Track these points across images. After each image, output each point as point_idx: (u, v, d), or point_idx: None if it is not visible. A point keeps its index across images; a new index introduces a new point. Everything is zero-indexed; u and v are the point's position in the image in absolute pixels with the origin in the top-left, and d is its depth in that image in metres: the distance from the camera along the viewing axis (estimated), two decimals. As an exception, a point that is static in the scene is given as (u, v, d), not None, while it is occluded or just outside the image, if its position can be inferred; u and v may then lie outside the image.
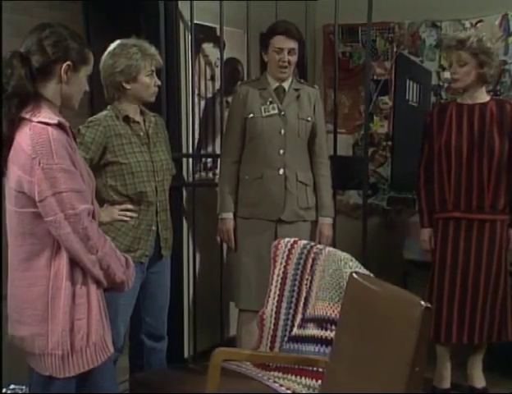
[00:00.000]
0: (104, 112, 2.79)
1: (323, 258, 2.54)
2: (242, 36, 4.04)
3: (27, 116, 1.85)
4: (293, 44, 3.32)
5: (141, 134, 2.82)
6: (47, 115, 1.85)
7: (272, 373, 2.51)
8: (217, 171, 3.86)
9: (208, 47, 3.85)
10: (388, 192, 4.56)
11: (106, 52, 2.80)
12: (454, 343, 3.27)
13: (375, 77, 4.50)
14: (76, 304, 1.87)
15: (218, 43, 3.80)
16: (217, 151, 3.85)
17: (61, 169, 1.81)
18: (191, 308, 3.72)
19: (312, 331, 2.47)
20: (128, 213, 2.72)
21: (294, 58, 3.35)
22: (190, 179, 3.73)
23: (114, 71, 2.73)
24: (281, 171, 3.25)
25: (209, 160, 3.89)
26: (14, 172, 1.85)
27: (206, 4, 3.66)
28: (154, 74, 2.82)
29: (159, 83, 2.87)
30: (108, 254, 1.92)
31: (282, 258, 2.67)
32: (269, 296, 2.70)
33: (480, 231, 3.20)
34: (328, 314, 2.42)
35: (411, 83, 4.44)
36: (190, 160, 3.73)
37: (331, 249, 2.56)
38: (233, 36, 3.92)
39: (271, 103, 3.32)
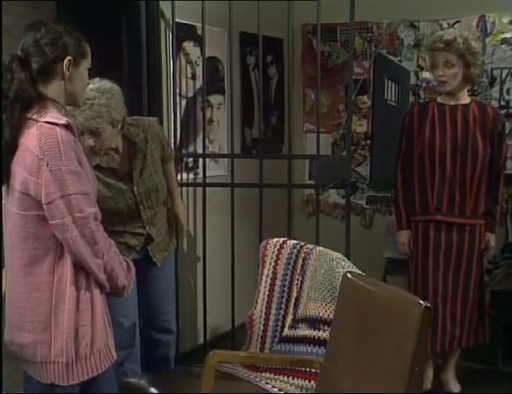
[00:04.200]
0: None
1: (314, 257, 2.53)
2: (222, 35, 4.02)
3: (33, 116, 1.80)
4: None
5: (116, 172, 2.72)
6: (54, 115, 1.81)
7: (263, 374, 2.49)
8: (199, 171, 3.84)
9: (188, 45, 3.82)
10: (367, 191, 4.58)
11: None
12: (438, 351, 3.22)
13: (354, 76, 4.51)
14: (80, 310, 1.82)
15: (199, 41, 3.76)
16: (199, 151, 3.82)
17: (69, 171, 1.77)
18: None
19: (303, 331, 2.46)
20: None
21: None
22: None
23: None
24: None
25: (190, 160, 3.85)
26: (19, 174, 1.78)
27: (186, 2, 3.63)
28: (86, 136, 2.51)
29: (91, 143, 2.54)
30: (113, 258, 1.88)
31: (271, 258, 2.66)
32: (258, 297, 2.68)
33: (460, 236, 3.16)
34: (321, 315, 2.41)
35: (389, 82, 4.47)
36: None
37: (322, 248, 2.55)
38: (213, 35, 3.88)
39: None
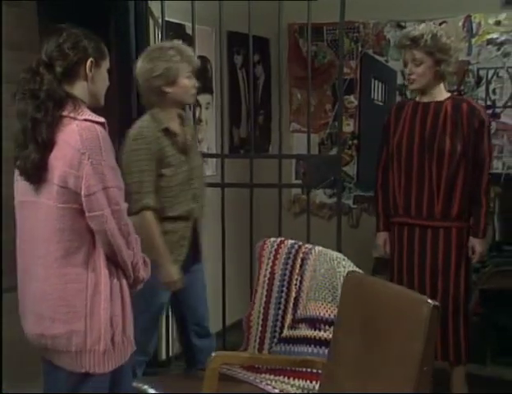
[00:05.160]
0: (143, 124, 2.70)
1: (313, 257, 2.51)
2: (210, 34, 4.00)
3: (70, 114, 1.88)
4: None
5: (179, 144, 2.73)
6: (90, 113, 1.90)
7: (262, 375, 2.46)
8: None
9: (177, 44, 3.78)
10: (354, 191, 4.59)
11: (141, 57, 2.77)
12: None
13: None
14: (113, 300, 1.90)
15: (187, 40, 3.72)
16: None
17: (108, 166, 1.86)
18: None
19: (304, 331, 2.44)
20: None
21: None
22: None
23: (152, 75, 2.67)
24: None
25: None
26: (58, 168, 1.84)
27: (174, 2, 3.59)
28: (192, 75, 2.76)
29: (197, 84, 2.81)
30: (138, 252, 1.97)
31: (269, 258, 2.64)
32: (255, 297, 2.65)
33: (434, 239, 3.00)
34: (321, 314, 2.40)
35: (376, 82, 4.49)
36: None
37: (322, 248, 2.53)
38: (201, 34, 3.85)
39: None
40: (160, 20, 3.58)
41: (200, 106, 3.93)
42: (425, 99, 3.05)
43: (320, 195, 4.62)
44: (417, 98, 3.10)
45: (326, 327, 2.39)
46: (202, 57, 3.95)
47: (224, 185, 3.56)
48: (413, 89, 3.08)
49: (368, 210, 4.57)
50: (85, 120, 1.87)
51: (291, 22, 4.57)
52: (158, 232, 2.60)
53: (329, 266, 2.42)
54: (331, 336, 2.36)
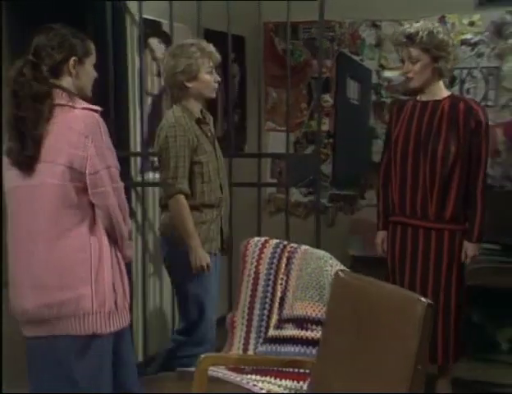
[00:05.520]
0: (177, 114, 2.85)
1: (299, 256, 2.50)
2: (186, 31, 3.94)
3: (69, 103, 2.06)
4: None
5: (209, 134, 2.92)
6: (86, 103, 2.10)
7: (248, 376, 2.44)
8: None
9: (153, 42, 3.73)
10: (330, 189, 4.60)
11: (166, 54, 2.96)
12: None
13: (316, 75, 4.52)
14: (113, 267, 2.10)
15: (164, 38, 3.69)
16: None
17: (108, 148, 2.09)
18: (140, 311, 3.60)
19: (290, 331, 2.42)
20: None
21: None
22: (139, 178, 3.60)
23: (175, 71, 2.83)
24: None
25: (156, 159, 3.76)
26: (64, 151, 2.03)
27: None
28: (214, 70, 2.92)
29: (219, 79, 2.96)
30: (128, 228, 2.18)
31: (253, 257, 2.61)
32: (239, 297, 2.63)
33: (426, 241, 2.96)
34: (309, 314, 2.38)
35: (352, 81, 4.50)
36: (138, 159, 3.60)
37: (307, 247, 2.52)
38: (177, 31, 3.80)
39: None
40: (137, 18, 3.53)
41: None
42: (424, 98, 2.99)
43: (296, 194, 4.62)
44: (417, 97, 3.04)
45: (314, 326, 2.37)
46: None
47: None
48: (413, 88, 2.99)
49: (343, 209, 4.58)
50: (84, 108, 2.06)
51: (266, 21, 4.54)
52: (190, 216, 2.74)
53: (316, 265, 2.41)
54: (318, 335, 2.36)
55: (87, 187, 2.05)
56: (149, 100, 3.70)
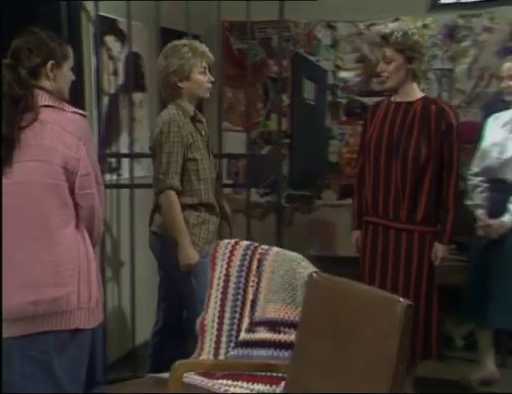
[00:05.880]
0: (172, 111, 2.86)
1: (271, 258, 2.47)
2: (141, 29, 3.88)
3: (58, 105, 2.11)
4: None
5: (203, 133, 2.94)
6: (73, 108, 2.16)
7: (220, 381, 2.40)
8: (122, 171, 3.69)
9: (109, 40, 3.65)
10: (286, 189, 4.59)
11: (160, 55, 2.96)
12: None
13: (272, 75, 4.52)
14: (93, 265, 2.18)
15: (120, 36, 3.61)
16: (122, 150, 3.66)
17: (95, 151, 2.26)
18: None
19: (262, 334, 2.39)
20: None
21: None
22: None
23: (168, 72, 2.86)
24: None
25: (114, 160, 3.68)
26: (59, 151, 2.08)
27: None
28: (207, 71, 2.93)
29: (212, 79, 2.96)
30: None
31: (223, 259, 2.57)
32: (209, 301, 2.57)
33: (397, 241, 2.98)
34: (281, 317, 2.36)
35: (308, 81, 4.51)
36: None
37: (279, 249, 2.49)
38: (133, 29, 3.73)
39: None
40: (92, 15, 3.44)
41: (133, 104, 3.80)
42: (398, 99, 3.01)
43: (253, 195, 4.59)
44: (392, 98, 3.06)
45: (287, 329, 2.35)
46: (134, 54, 3.83)
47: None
48: (387, 88, 3.03)
49: (300, 209, 4.58)
50: (74, 112, 2.13)
51: (222, 20, 4.50)
52: (181, 213, 2.76)
53: (288, 267, 2.39)
54: (291, 338, 2.34)
55: (73, 188, 2.11)
56: (106, 100, 3.61)
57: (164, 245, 2.84)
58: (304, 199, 4.57)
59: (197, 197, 2.84)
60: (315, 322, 2.08)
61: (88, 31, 3.46)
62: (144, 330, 3.68)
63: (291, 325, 2.34)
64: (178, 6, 3.60)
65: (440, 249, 2.99)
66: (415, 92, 3.01)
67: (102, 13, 3.47)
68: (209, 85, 2.94)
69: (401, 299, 1.84)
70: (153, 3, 3.47)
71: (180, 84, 2.86)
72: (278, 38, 3.60)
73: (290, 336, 2.34)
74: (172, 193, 2.75)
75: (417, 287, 2.97)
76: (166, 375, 2.47)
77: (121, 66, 3.67)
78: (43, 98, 2.09)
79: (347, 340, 1.94)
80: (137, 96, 3.86)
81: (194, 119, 2.90)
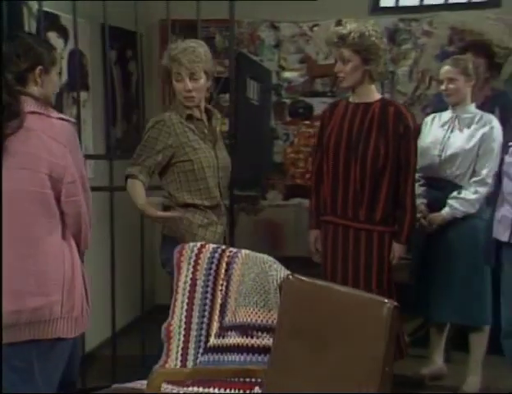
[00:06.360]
0: (166, 111, 2.87)
1: (241, 261, 2.42)
2: (84, 26, 3.74)
3: (44, 111, 2.07)
4: None
5: (205, 131, 2.87)
6: (58, 113, 2.14)
7: (190, 388, 2.33)
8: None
9: (52, 36, 3.49)
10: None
11: None
12: None
13: (215, 75, 4.45)
14: (79, 274, 2.17)
15: (63, 32, 3.47)
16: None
17: (81, 158, 2.18)
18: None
19: (233, 339, 2.34)
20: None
21: None
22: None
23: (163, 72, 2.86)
24: None
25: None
26: (45, 159, 2.05)
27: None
28: (186, 79, 2.78)
29: (189, 87, 2.79)
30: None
31: (189, 263, 2.50)
32: (175, 306, 2.50)
33: (356, 241, 3.01)
34: (253, 321, 2.31)
35: (252, 81, 4.49)
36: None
37: (248, 251, 2.44)
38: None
39: None
40: (35, 10, 3.28)
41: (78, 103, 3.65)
42: (356, 100, 3.04)
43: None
44: (350, 98, 3.09)
45: (259, 333, 2.31)
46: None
47: (112, 189, 3.36)
48: (344, 88, 3.08)
49: (245, 209, 4.56)
50: (60, 118, 2.10)
51: (163, 18, 4.41)
52: (141, 192, 2.74)
53: (259, 270, 2.35)
54: (264, 342, 2.31)
55: (59, 196, 2.09)
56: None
57: (172, 245, 2.74)
58: (249, 199, 4.55)
59: (198, 198, 2.82)
60: (293, 325, 2.06)
61: (30, 27, 3.30)
62: (100, 330, 3.58)
63: (264, 329, 2.31)
64: (119, 3, 3.50)
65: (397, 249, 3.04)
66: (373, 93, 3.05)
67: (44, 8, 3.32)
68: (187, 94, 2.79)
69: (387, 300, 1.85)
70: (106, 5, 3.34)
71: (172, 85, 2.84)
72: (229, 37, 3.56)
73: (263, 340, 2.31)
74: (134, 180, 2.74)
75: (378, 287, 3.01)
76: (132, 384, 2.40)
77: (64, 64, 3.52)
78: (28, 105, 2.05)
79: (332, 344, 1.93)
80: (81, 95, 3.71)
81: (190, 117, 2.84)
